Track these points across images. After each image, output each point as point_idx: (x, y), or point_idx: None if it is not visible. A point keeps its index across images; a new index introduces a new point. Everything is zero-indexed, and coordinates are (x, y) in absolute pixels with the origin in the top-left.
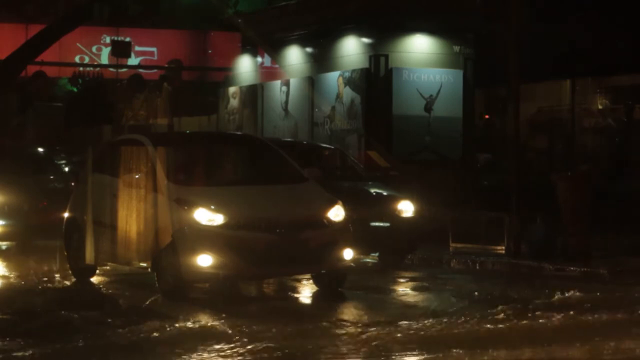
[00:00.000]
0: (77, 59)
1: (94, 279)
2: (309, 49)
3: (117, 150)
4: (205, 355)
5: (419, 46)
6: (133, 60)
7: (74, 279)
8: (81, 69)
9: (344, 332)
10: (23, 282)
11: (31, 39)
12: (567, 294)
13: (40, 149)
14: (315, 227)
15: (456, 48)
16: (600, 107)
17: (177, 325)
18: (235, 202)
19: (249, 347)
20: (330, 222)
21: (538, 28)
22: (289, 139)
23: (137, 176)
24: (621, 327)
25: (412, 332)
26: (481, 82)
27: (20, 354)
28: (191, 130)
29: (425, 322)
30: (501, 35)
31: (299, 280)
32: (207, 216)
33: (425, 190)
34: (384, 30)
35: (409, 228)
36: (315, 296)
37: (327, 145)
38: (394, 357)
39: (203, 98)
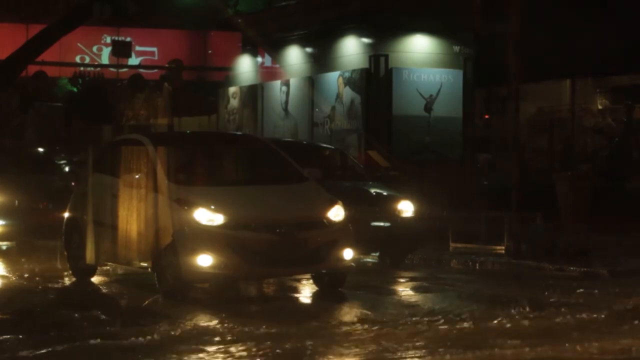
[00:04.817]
0: (77, 59)
1: (94, 279)
2: (309, 49)
3: (117, 150)
4: (205, 355)
5: (419, 46)
6: (133, 60)
7: (74, 279)
8: (82, 69)
9: (344, 332)
10: (23, 282)
11: (31, 39)
12: (567, 294)
13: (41, 149)
14: (316, 227)
15: (456, 48)
16: (600, 107)
17: (177, 325)
18: (235, 202)
19: (249, 347)
20: (330, 222)
21: (538, 28)
22: (289, 139)
23: (137, 176)
24: (621, 326)
25: (412, 331)
26: (481, 82)
27: (20, 353)
28: (191, 130)
29: (426, 321)
30: (501, 35)
31: (299, 280)
32: (207, 216)
33: (426, 190)
34: (384, 30)
35: (409, 228)
36: (315, 296)
37: (328, 146)
38: (394, 356)
39: (203, 98)
